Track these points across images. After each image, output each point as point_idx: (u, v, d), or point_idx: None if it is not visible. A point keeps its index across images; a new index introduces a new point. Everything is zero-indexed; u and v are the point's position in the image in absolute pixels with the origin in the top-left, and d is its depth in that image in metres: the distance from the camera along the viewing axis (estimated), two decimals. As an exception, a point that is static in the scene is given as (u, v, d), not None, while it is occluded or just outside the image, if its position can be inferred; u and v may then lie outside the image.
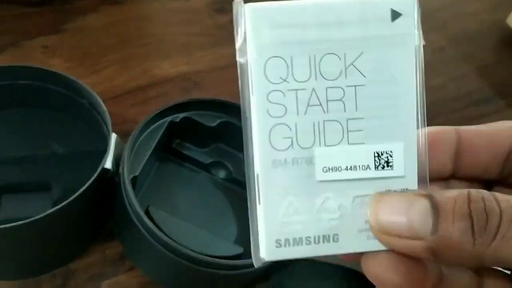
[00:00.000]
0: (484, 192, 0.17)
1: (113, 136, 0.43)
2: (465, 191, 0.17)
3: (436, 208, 0.17)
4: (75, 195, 0.38)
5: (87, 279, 0.45)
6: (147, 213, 0.42)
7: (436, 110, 0.68)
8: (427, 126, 0.22)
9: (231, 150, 0.53)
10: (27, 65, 0.48)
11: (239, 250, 0.43)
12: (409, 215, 0.18)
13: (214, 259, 0.39)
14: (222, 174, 0.52)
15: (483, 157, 0.23)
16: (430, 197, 0.18)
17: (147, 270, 0.45)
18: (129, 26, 0.68)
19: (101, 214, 0.47)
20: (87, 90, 0.46)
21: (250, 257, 0.43)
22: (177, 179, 0.50)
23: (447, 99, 0.70)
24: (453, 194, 0.18)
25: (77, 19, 0.66)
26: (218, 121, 0.50)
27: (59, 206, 0.38)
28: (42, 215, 0.37)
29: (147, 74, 0.63)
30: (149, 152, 0.46)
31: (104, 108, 0.45)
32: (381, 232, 0.19)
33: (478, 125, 0.24)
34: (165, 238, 0.39)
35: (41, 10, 0.66)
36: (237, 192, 0.51)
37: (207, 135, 0.51)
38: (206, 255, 0.40)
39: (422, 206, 0.18)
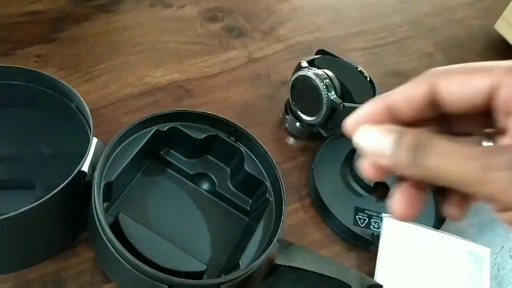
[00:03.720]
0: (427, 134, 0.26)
1: (94, 140, 0.44)
2: (418, 132, 0.26)
3: (398, 140, 0.26)
4: (48, 196, 0.39)
5: (78, 287, 0.45)
6: (116, 219, 0.42)
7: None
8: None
9: (219, 163, 0.53)
10: (20, 66, 0.49)
11: (201, 267, 0.42)
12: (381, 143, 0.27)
13: (172, 277, 0.39)
14: (206, 186, 0.52)
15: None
16: (398, 133, 0.27)
17: (114, 279, 0.44)
18: (122, 34, 0.69)
19: (81, 215, 0.47)
20: (74, 93, 0.47)
21: (213, 276, 0.42)
22: (160, 187, 0.51)
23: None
24: (412, 132, 0.26)
25: (70, 28, 0.67)
26: (206, 134, 0.51)
27: (27, 207, 0.38)
28: (14, 213, 0.38)
29: (139, 82, 0.64)
30: (128, 159, 0.46)
31: (88, 111, 0.46)
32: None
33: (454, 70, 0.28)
34: (126, 253, 0.39)
35: (34, 19, 0.67)
36: (218, 206, 0.51)
37: (196, 146, 0.51)
38: (167, 268, 0.40)
39: (390, 138, 0.27)
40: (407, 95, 0.28)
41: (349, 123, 0.29)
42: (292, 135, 0.63)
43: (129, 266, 0.39)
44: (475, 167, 0.24)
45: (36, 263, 0.46)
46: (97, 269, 0.47)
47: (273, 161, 0.49)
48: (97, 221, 0.41)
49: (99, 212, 0.40)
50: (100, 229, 0.40)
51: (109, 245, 0.40)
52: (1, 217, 0.38)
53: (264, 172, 0.50)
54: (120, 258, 0.40)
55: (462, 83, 0.27)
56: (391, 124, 0.28)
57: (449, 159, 0.25)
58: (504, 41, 0.80)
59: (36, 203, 0.39)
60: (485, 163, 0.24)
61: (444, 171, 0.25)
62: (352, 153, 0.60)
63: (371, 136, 0.28)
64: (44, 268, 0.46)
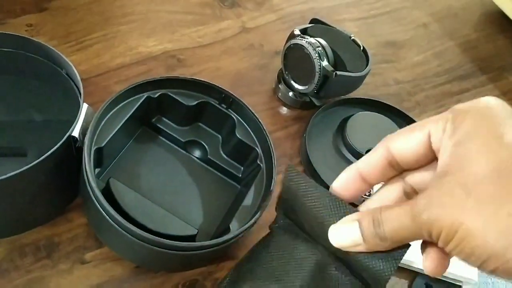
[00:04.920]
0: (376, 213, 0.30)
1: (84, 106, 0.44)
2: (372, 210, 0.31)
3: (360, 227, 0.31)
4: (38, 160, 0.39)
5: (71, 251, 0.46)
6: (107, 184, 0.42)
7: (418, 86, 0.69)
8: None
9: (210, 130, 0.53)
10: (11, 33, 0.48)
11: (193, 231, 0.43)
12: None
13: (163, 240, 0.39)
14: (197, 153, 0.52)
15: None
16: (357, 220, 0.32)
17: (107, 243, 0.45)
18: (113, 4, 0.68)
19: (74, 182, 0.47)
20: (64, 59, 0.47)
21: (204, 239, 0.43)
22: (152, 154, 0.51)
23: (429, 74, 0.71)
24: (367, 214, 0.31)
25: (61, -3, 0.67)
26: (198, 101, 0.50)
27: (18, 171, 0.38)
28: (4, 176, 0.38)
29: (131, 51, 0.63)
30: (119, 125, 0.46)
31: (78, 77, 0.46)
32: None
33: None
34: (117, 216, 0.39)
35: (25, -12, 0.66)
36: (209, 173, 0.51)
37: (187, 113, 0.51)
38: (159, 232, 0.40)
39: (355, 229, 0.31)
40: (369, 160, 0.33)
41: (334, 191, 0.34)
42: (285, 105, 0.63)
43: (121, 229, 0.40)
44: (409, 219, 0.28)
45: (29, 228, 0.46)
46: (90, 234, 0.47)
47: (264, 127, 0.49)
48: (88, 186, 0.41)
49: (89, 176, 0.40)
50: (91, 193, 0.41)
51: (101, 209, 0.40)
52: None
53: (255, 139, 0.50)
54: (112, 222, 0.40)
55: (405, 140, 0.31)
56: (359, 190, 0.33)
57: (395, 221, 0.29)
58: (499, 12, 0.79)
59: (26, 167, 0.39)
60: (413, 212, 0.28)
61: (399, 232, 0.29)
62: (344, 122, 0.60)
63: (341, 236, 0.32)
64: (37, 234, 0.46)
